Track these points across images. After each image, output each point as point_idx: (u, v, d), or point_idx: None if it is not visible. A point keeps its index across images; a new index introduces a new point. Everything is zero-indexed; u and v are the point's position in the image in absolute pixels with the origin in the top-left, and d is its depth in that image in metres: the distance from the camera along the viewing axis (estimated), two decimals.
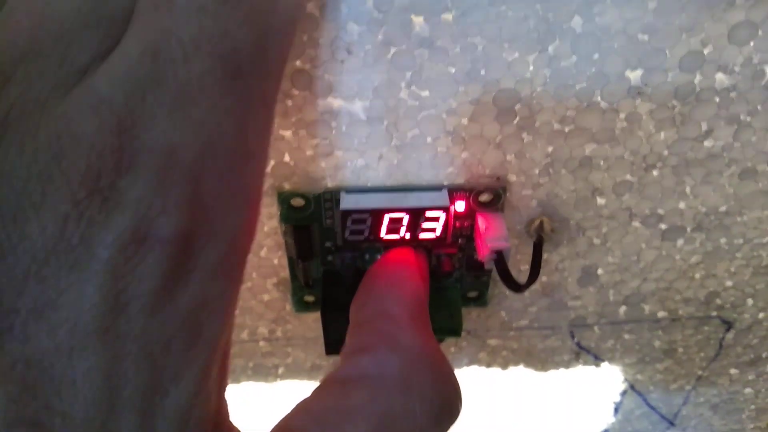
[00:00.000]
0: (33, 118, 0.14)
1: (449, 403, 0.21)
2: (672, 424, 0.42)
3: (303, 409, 0.20)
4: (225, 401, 0.18)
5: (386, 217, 0.25)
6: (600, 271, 0.30)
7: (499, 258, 0.25)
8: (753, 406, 0.41)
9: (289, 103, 0.23)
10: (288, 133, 0.23)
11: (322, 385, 0.21)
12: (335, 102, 0.23)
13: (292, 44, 0.18)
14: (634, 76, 0.22)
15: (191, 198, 0.15)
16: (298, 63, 0.22)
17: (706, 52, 0.22)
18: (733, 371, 0.38)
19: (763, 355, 0.36)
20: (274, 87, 0.17)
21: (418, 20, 0.21)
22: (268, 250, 0.28)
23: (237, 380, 0.35)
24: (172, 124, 0.15)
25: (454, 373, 0.22)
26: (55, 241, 0.14)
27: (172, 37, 0.15)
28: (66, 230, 0.14)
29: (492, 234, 0.25)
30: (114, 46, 0.15)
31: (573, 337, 0.33)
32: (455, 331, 0.28)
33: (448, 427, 0.21)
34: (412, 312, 0.23)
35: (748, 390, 0.39)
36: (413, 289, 0.24)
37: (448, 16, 0.21)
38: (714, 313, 0.33)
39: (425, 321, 0.24)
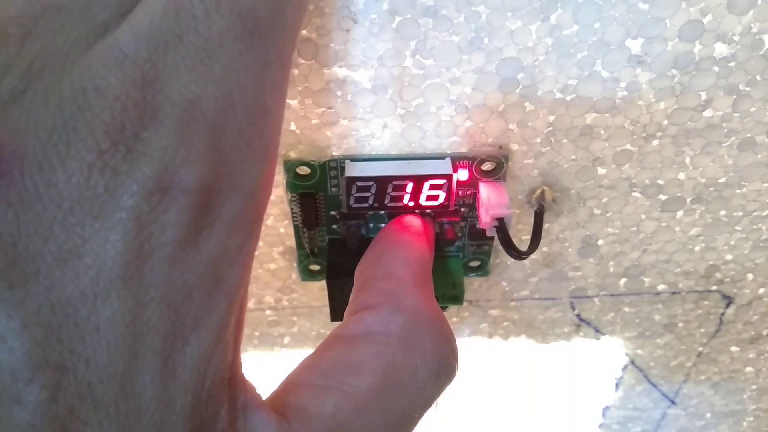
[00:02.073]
0: (56, 70, 0.14)
1: (447, 362, 0.22)
2: (673, 402, 0.42)
3: (309, 365, 0.21)
4: (239, 354, 0.18)
5: (390, 185, 0.25)
6: (600, 242, 0.30)
7: (501, 225, 0.25)
8: (754, 386, 0.41)
9: (296, 71, 0.23)
10: (294, 102, 0.24)
11: (326, 342, 0.22)
12: (341, 71, 0.23)
13: (309, 5, 0.18)
14: (635, 45, 0.23)
15: (213, 150, 0.15)
16: (304, 32, 0.22)
17: (705, 21, 0.22)
18: (733, 348, 0.38)
19: (764, 333, 0.37)
20: (290, 47, 0.18)
21: None
22: (274, 219, 0.29)
23: (243, 349, 0.35)
24: (194, 79, 0.15)
25: (452, 334, 0.23)
26: (81, 189, 0.14)
27: None
28: (91, 179, 0.14)
29: (494, 202, 0.25)
30: (133, 5, 0.16)
31: (573, 308, 0.34)
32: (457, 298, 0.29)
33: (445, 386, 0.22)
34: (416, 274, 0.24)
35: (748, 369, 0.40)
36: (418, 253, 0.25)
37: None
38: (714, 288, 0.33)
39: (428, 284, 0.25)
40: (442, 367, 0.22)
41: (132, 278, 0.14)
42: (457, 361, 0.23)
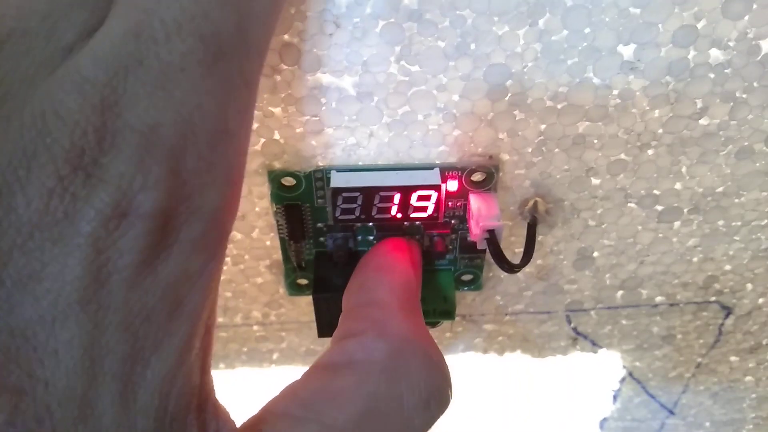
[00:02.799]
0: (19, 95, 0.15)
1: (438, 389, 0.21)
2: (672, 413, 0.41)
3: (289, 393, 0.20)
4: (210, 377, 0.18)
5: (377, 196, 0.25)
6: (596, 254, 0.29)
7: (492, 238, 0.24)
8: (753, 395, 0.41)
9: (278, 78, 0.22)
10: (277, 110, 0.23)
11: (309, 370, 0.21)
12: (324, 77, 0.23)
13: (275, 26, 0.18)
14: (627, 51, 0.22)
15: (171, 175, 0.15)
16: (286, 37, 0.21)
17: (699, 26, 0.22)
18: (733, 359, 0.37)
19: (764, 342, 0.36)
20: (256, 68, 0.17)
21: None
22: (260, 232, 0.28)
23: (232, 365, 0.35)
24: (154, 103, 0.15)
25: (444, 361, 0.22)
26: (40, 215, 0.14)
27: (155, 18, 0.15)
28: (50, 205, 0.14)
29: (484, 213, 0.25)
30: (99, 25, 0.16)
31: (569, 322, 0.33)
32: (449, 313, 0.28)
33: (438, 414, 0.21)
34: (401, 299, 0.23)
35: (748, 378, 0.39)
36: (404, 278, 0.24)
37: None
38: (713, 299, 0.33)
39: (416, 309, 0.24)
40: (433, 396, 0.21)
41: (90, 302, 0.15)
42: (450, 388, 0.22)
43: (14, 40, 0.15)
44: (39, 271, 0.14)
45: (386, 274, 0.25)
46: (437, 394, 0.21)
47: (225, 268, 0.29)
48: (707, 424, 0.43)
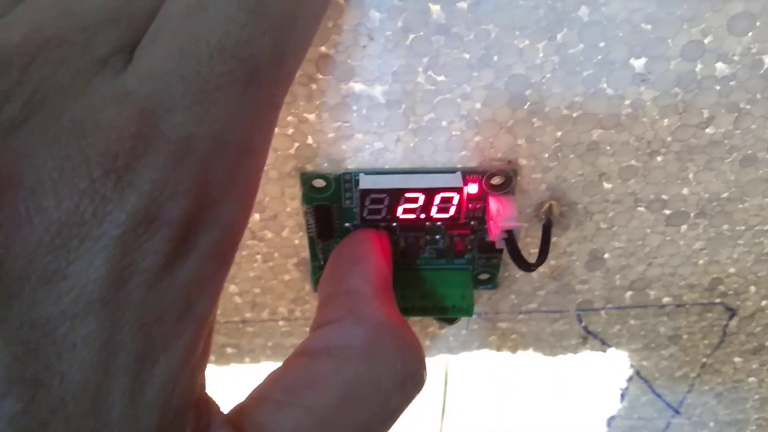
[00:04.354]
0: (56, 103, 0.15)
1: (414, 371, 0.22)
2: (677, 412, 0.42)
3: (272, 379, 0.21)
4: (204, 376, 0.19)
5: (402, 198, 0.26)
6: (607, 256, 0.31)
7: (510, 237, 0.26)
8: (757, 396, 0.42)
9: (314, 87, 0.24)
10: (312, 116, 0.25)
11: (289, 358, 0.22)
12: (356, 86, 0.24)
13: (305, 57, 0.20)
14: (638, 63, 0.24)
15: (199, 186, 0.16)
16: (323, 48, 0.23)
17: (706, 41, 0.23)
18: (737, 359, 0.38)
19: (766, 344, 0.37)
20: (284, 91, 0.19)
21: (435, 8, 0.22)
22: (289, 231, 0.29)
23: (257, 359, 0.36)
24: (190, 117, 0.16)
25: (418, 343, 0.23)
26: (69, 215, 0.15)
27: (201, 39, 0.16)
28: (80, 206, 0.15)
29: (503, 215, 0.26)
30: (133, 42, 0.17)
31: (580, 321, 0.35)
32: (467, 310, 0.29)
33: (414, 395, 0.22)
34: (374, 286, 0.24)
35: (752, 379, 0.40)
36: (376, 266, 0.25)
37: (463, 5, 0.22)
38: (717, 300, 0.34)
39: (389, 294, 0.25)
40: (409, 377, 0.22)
41: (110, 301, 0.15)
42: (425, 370, 0.23)
43: (51, 47, 0.15)
44: (64, 269, 0.15)
45: (358, 263, 0.26)
46: (413, 376, 0.22)
47: (255, 265, 0.31)
48: (711, 424, 0.44)
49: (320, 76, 0.24)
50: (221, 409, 0.19)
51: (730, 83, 0.24)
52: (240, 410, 0.20)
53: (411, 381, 0.22)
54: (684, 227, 0.30)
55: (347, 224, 0.28)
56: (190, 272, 0.16)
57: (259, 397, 0.20)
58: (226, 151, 0.17)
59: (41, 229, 0.14)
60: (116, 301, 0.15)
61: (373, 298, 0.24)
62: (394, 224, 0.28)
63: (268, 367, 0.36)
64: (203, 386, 0.18)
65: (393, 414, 0.22)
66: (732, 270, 0.32)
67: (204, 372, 0.18)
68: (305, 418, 0.20)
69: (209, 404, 0.18)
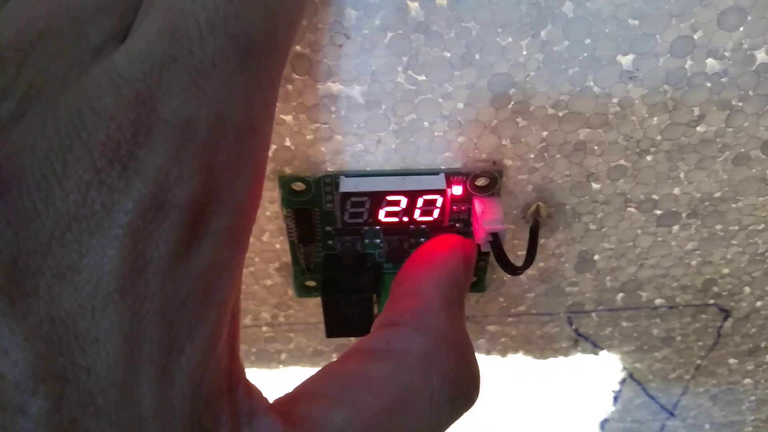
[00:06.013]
0: (53, 93, 0.15)
1: (466, 389, 0.22)
2: (672, 414, 0.42)
3: (325, 374, 0.21)
4: (239, 361, 0.18)
5: (384, 200, 0.25)
6: (597, 257, 0.30)
7: (495, 240, 0.25)
8: (753, 397, 0.41)
9: (290, 87, 0.23)
10: (289, 118, 0.24)
11: (347, 353, 0.22)
12: (334, 86, 0.23)
13: (300, 26, 0.19)
14: (626, 60, 0.23)
15: (204, 168, 0.16)
16: (298, 48, 0.22)
17: (696, 37, 0.22)
18: (732, 361, 0.38)
19: (762, 345, 0.37)
20: (280, 66, 0.18)
21: (413, 5, 0.21)
22: (270, 235, 0.29)
23: None
24: (187, 99, 0.16)
25: (476, 363, 0.23)
26: (78, 207, 0.15)
27: (190, 17, 0.16)
28: (88, 197, 0.15)
29: (488, 217, 0.25)
30: (126, 29, 0.16)
31: (571, 324, 0.34)
32: None
33: (461, 413, 0.22)
34: (446, 297, 0.24)
35: (747, 380, 0.40)
36: (453, 276, 0.24)
37: (442, 1, 0.21)
38: (711, 301, 0.33)
39: (459, 308, 0.24)
40: (460, 394, 0.22)
41: (128, 291, 0.15)
42: (477, 391, 0.23)
43: (45, 41, 0.15)
44: (77, 262, 0.15)
45: (436, 269, 0.25)
46: (464, 393, 0.22)
47: None
48: (707, 426, 0.44)
49: (296, 77, 0.23)
50: (264, 396, 0.19)
51: (722, 80, 0.24)
52: (289, 400, 0.20)
53: (462, 399, 0.22)
54: (676, 228, 0.29)
55: (328, 228, 0.28)
56: (205, 258, 0.16)
57: (309, 390, 0.20)
58: (229, 130, 0.16)
59: (51, 224, 0.14)
60: (134, 291, 0.15)
61: (441, 308, 0.23)
62: (377, 227, 0.27)
63: (251, 373, 0.36)
64: (240, 372, 0.18)
65: (438, 428, 0.21)
66: (726, 271, 0.32)
67: (237, 358, 0.18)
68: (354, 418, 0.19)
69: (250, 390, 0.18)
